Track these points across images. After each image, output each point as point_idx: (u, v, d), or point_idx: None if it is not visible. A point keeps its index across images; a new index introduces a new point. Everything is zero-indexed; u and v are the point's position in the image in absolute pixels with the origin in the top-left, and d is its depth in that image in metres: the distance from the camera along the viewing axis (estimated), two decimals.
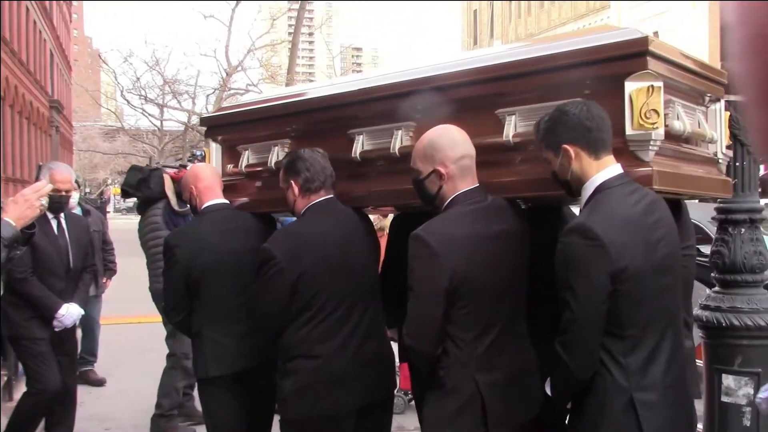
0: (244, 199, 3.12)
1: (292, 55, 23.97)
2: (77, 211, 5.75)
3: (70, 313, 3.86)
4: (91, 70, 54.46)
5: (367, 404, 2.60)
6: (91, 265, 4.33)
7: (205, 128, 3.43)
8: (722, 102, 2.38)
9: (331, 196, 2.67)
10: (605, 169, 1.94)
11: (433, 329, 2.11)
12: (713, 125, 2.35)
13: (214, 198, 3.07)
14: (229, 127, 3.22)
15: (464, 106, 2.30)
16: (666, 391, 1.91)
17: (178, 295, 3.00)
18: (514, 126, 2.20)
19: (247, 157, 3.11)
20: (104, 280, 6.02)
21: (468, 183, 2.20)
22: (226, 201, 3.10)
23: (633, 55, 1.94)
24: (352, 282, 2.60)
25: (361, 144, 2.63)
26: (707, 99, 2.34)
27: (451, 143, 2.18)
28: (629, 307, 1.87)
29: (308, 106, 2.87)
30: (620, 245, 1.83)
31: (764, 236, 2.89)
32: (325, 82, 4.24)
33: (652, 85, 1.88)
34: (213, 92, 28.18)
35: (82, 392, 5.65)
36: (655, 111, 1.89)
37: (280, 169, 2.77)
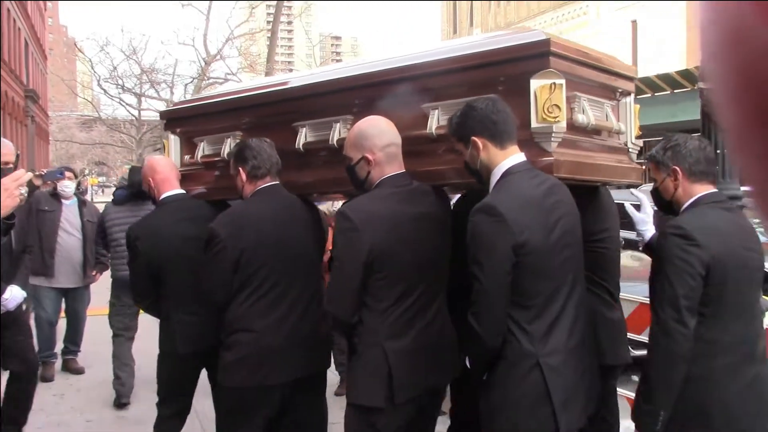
0: (201, 188, 3.31)
1: (271, 44, 23.90)
2: (73, 201, 5.81)
3: (14, 296, 3.85)
4: (67, 59, 53.81)
5: (300, 378, 2.80)
6: (28, 246, 4.30)
7: (164, 121, 3.60)
8: (632, 96, 2.59)
9: (277, 182, 2.87)
10: (510, 157, 2.15)
11: (350, 298, 2.30)
12: (623, 118, 2.56)
13: (171, 189, 3.26)
14: (187, 120, 3.41)
15: (395, 101, 2.51)
16: (569, 355, 2.11)
17: (143, 284, 3.22)
18: (437, 119, 2.43)
19: (203, 149, 3.30)
20: (94, 273, 5.88)
21: (394, 168, 2.40)
22: (183, 191, 3.28)
23: (537, 55, 2.15)
24: (290, 262, 2.78)
25: (304, 136, 2.83)
26: (618, 93, 2.55)
27: (378, 132, 2.39)
28: (531, 279, 2.07)
29: (256, 101, 3.07)
30: (521, 222, 2.04)
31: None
32: (279, 77, 4.50)
33: (555, 83, 2.09)
34: (191, 81, 27.98)
35: (63, 383, 5.75)
36: (557, 106, 2.10)
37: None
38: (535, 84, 2.11)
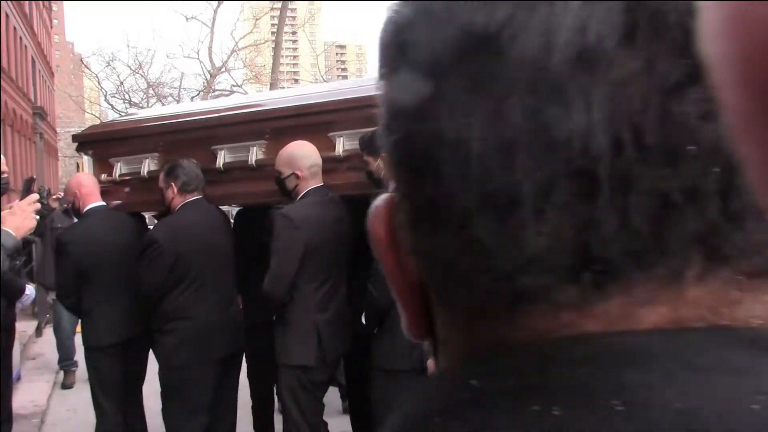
0: (119, 202, 3.83)
1: (275, 55, 24.04)
2: None
3: (31, 292, 4.08)
4: (74, 75, 54.22)
5: (228, 355, 3.49)
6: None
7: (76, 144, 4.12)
8: None
9: (201, 196, 3.47)
10: None
11: (287, 281, 3.00)
12: None
13: (96, 201, 3.74)
14: (100, 143, 3.91)
15: (306, 130, 3.19)
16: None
17: (69, 282, 3.70)
18: (342, 144, 3.11)
19: (120, 168, 3.76)
20: None
21: (316, 182, 3.11)
22: (104, 203, 3.76)
23: None
24: (215, 261, 3.46)
25: (223, 157, 3.42)
26: None
27: (305, 155, 3.07)
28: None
29: (170, 129, 3.66)
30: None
31: None
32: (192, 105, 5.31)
33: None
34: (197, 94, 28.15)
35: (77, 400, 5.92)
36: None
37: (151, 177, 3.55)
38: None
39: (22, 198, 3.65)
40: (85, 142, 4.07)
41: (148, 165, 3.67)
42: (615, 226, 0.28)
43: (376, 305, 2.75)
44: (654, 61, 0.27)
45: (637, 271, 0.28)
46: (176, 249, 3.32)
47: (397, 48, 0.33)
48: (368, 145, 2.81)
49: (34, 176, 4.88)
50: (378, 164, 2.75)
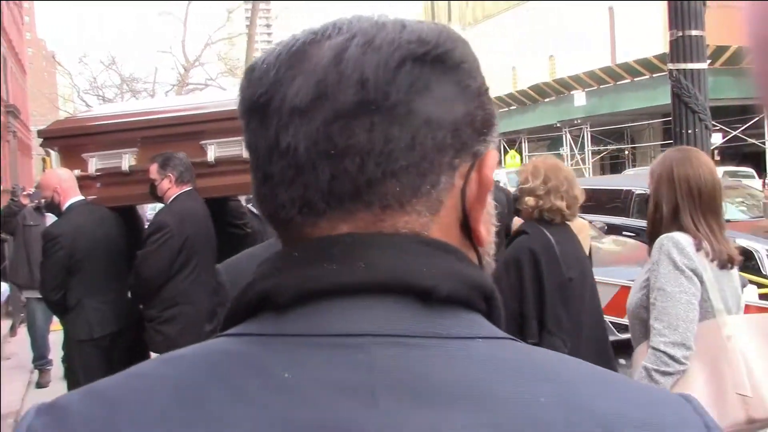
0: (95, 196, 3.86)
1: (248, 48, 23.91)
2: None
3: (5, 289, 4.15)
4: (47, 72, 53.47)
5: None
6: None
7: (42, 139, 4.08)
8: None
9: (193, 187, 3.64)
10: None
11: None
12: None
13: (75, 195, 3.76)
14: (69, 139, 3.89)
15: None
16: None
17: (60, 277, 3.71)
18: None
19: (95, 163, 3.76)
20: None
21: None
22: (84, 197, 3.77)
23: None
24: (209, 247, 3.67)
25: (213, 151, 3.63)
26: None
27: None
28: None
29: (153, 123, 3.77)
30: None
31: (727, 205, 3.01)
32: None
33: None
34: (172, 88, 28.00)
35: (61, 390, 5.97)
36: None
37: (136, 170, 3.68)
38: None
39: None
40: (51, 137, 4.07)
41: (128, 159, 3.75)
42: (318, 188, 0.54)
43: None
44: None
45: (338, 207, 0.54)
46: (185, 233, 3.49)
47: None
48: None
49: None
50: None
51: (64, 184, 3.77)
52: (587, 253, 3.28)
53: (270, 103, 0.55)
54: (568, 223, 2.94)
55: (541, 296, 2.75)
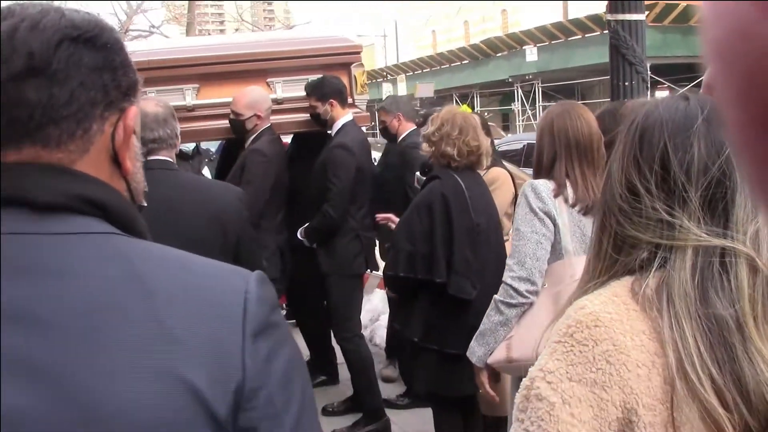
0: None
1: None
2: None
3: None
4: None
5: None
6: None
7: None
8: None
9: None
10: (347, 115, 3.78)
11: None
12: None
13: None
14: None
15: (252, 75, 3.76)
16: None
17: None
18: (281, 89, 3.82)
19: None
20: None
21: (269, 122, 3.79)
22: None
23: (355, 52, 3.74)
24: None
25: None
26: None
27: (265, 98, 3.69)
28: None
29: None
30: (359, 154, 3.72)
31: None
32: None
33: (364, 70, 3.47)
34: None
35: None
36: (365, 84, 3.61)
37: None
38: (354, 70, 3.66)
39: None
40: None
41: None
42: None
43: (334, 225, 3.65)
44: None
45: (12, 143, 0.71)
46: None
47: None
48: (315, 91, 3.65)
49: None
50: (325, 109, 3.66)
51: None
52: (509, 201, 3.51)
53: None
54: (478, 171, 3.09)
55: (451, 239, 2.87)
